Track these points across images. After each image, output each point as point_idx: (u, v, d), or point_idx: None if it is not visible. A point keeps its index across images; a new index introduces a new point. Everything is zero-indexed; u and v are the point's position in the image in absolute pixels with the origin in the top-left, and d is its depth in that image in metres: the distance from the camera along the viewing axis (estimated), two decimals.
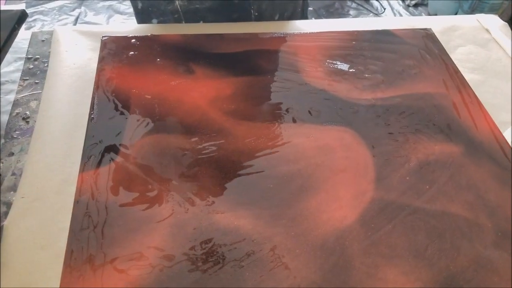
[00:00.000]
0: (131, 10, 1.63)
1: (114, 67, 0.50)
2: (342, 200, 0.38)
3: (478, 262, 0.34)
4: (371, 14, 1.67)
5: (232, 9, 0.59)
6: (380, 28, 0.59)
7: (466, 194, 0.39)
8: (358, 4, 1.72)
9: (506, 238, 0.36)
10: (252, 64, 0.52)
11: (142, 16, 0.63)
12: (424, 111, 0.47)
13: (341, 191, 0.39)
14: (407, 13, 1.68)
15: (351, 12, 1.69)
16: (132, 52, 0.52)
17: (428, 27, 0.60)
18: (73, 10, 1.65)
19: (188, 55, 0.53)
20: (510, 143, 0.44)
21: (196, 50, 0.53)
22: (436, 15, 1.63)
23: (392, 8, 1.70)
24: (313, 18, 1.65)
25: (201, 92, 0.48)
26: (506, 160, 0.42)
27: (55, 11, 1.64)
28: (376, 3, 1.72)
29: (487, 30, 0.60)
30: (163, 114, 0.45)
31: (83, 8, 1.66)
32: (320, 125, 0.45)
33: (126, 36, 0.55)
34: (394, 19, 1.30)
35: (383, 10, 1.69)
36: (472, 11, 1.41)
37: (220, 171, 0.40)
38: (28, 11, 1.59)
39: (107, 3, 1.69)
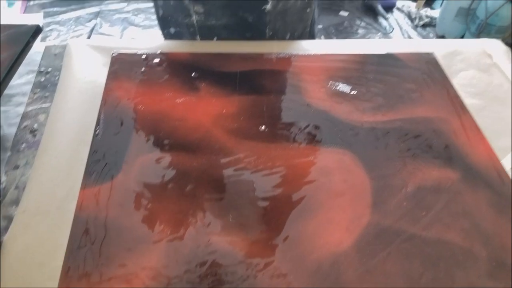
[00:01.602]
0: (145, 22, 1.69)
1: (122, 83, 0.52)
2: (339, 224, 0.39)
3: None
4: (380, 34, 1.68)
5: (247, 28, 0.61)
6: (384, 50, 0.60)
7: (462, 221, 0.39)
8: (367, 24, 1.74)
9: (501, 268, 0.36)
10: (256, 84, 0.53)
11: (162, 23, 0.66)
12: (423, 135, 0.48)
13: (338, 214, 0.39)
14: (415, 33, 1.69)
15: (360, 31, 1.71)
16: (141, 69, 0.54)
17: (432, 50, 0.60)
18: (89, 21, 1.70)
19: (195, 73, 0.54)
20: (510, 168, 0.44)
21: (204, 68, 0.55)
22: (443, 36, 1.63)
23: (400, 28, 1.72)
24: (322, 36, 1.66)
25: (205, 110, 0.49)
26: (503, 187, 0.42)
27: (71, 21, 1.69)
28: (385, 23, 1.73)
29: (489, 55, 0.60)
30: (167, 132, 0.46)
31: (98, 19, 1.71)
32: (320, 146, 0.46)
33: (135, 53, 0.56)
34: (399, 41, 1.31)
35: (391, 29, 1.70)
36: (479, 33, 1.42)
37: (218, 191, 0.41)
38: (45, 21, 1.65)
39: (122, 15, 1.74)
